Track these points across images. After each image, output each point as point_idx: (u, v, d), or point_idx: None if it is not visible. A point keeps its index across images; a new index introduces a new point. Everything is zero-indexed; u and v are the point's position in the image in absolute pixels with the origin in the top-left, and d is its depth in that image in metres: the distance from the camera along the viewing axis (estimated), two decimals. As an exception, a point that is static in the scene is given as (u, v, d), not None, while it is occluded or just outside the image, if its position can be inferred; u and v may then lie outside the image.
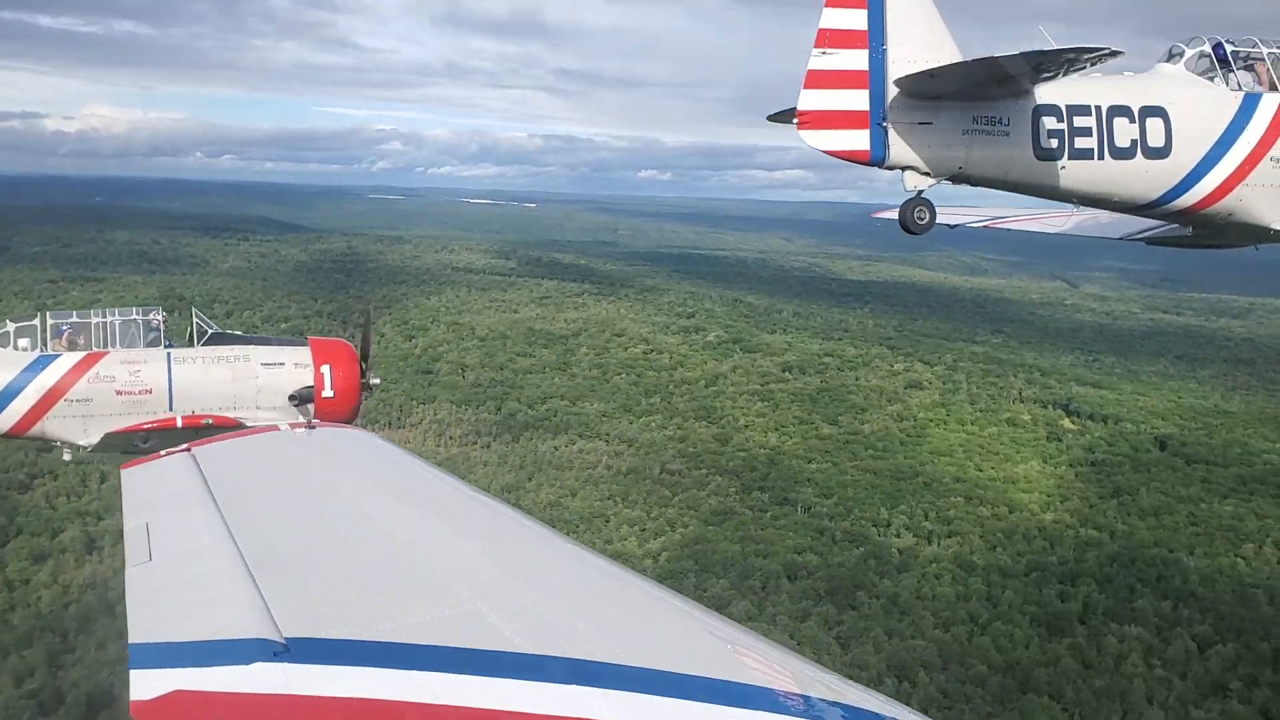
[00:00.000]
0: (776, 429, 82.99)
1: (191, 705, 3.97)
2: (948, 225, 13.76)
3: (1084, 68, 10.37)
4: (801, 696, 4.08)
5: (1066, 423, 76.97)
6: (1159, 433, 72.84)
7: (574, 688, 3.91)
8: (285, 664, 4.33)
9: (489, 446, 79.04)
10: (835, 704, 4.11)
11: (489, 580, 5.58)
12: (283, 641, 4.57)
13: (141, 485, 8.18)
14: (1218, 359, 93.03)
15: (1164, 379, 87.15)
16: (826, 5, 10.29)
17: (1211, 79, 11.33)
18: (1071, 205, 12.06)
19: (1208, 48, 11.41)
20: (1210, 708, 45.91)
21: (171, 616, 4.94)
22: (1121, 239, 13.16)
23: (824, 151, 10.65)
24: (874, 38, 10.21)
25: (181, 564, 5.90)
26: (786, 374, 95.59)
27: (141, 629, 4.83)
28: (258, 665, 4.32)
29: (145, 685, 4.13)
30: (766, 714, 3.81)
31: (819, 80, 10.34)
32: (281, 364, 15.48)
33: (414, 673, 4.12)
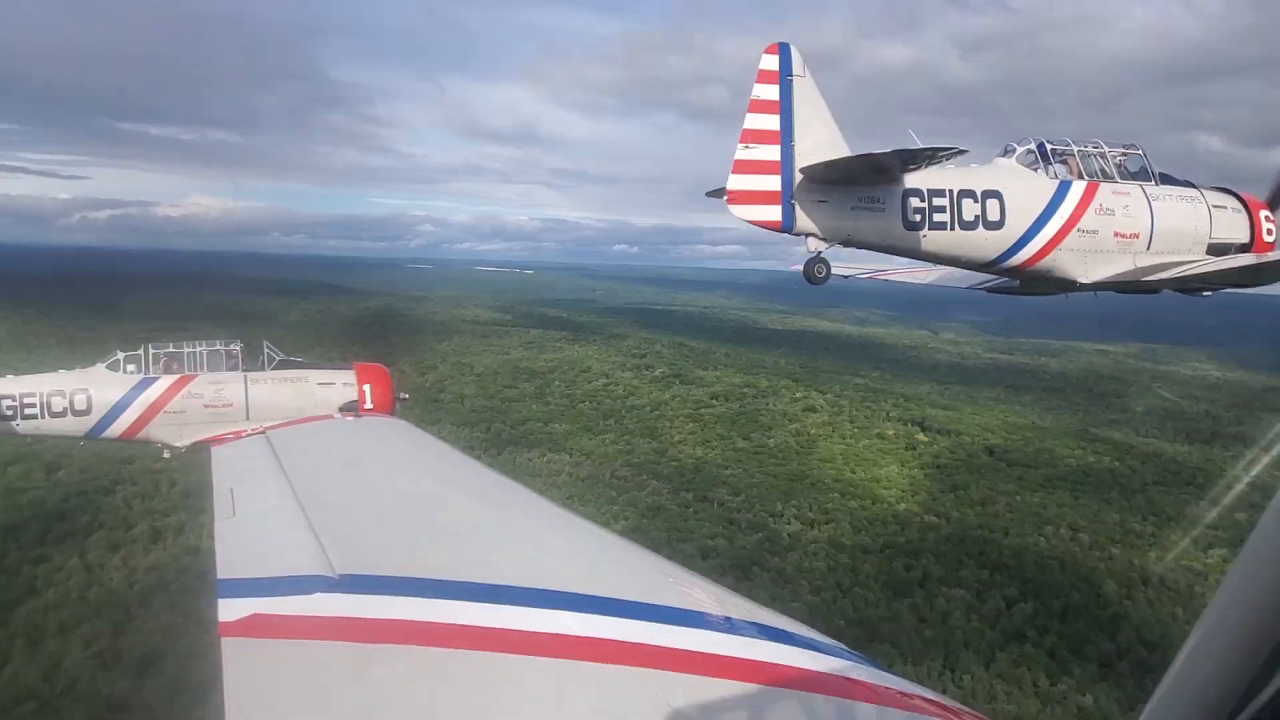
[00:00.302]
0: (703, 443, 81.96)
1: (266, 625, 3.95)
2: (842, 276, 13.56)
3: (940, 162, 10.48)
4: (725, 617, 4.13)
5: (921, 436, 78.00)
6: (989, 443, 74.28)
7: (556, 611, 3.91)
8: (338, 594, 4.33)
9: (479, 458, 77.37)
10: (751, 622, 4.20)
11: (492, 530, 5.56)
12: (336, 576, 4.55)
13: (228, 459, 8.40)
14: (1037, 388, 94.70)
15: (996, 403, 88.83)
16: (749, 111, 10.46)
17: (1035, 170, 11.40)
18: (931, 264, 12.17)
19: (1033, 146, 11.54)
20: (1012, 650, 47.15)
21: (250, 558, 4.91)
22: (969, 289, 13.30)
23: (747, 221, 10.65)
24: (784, 137, 10.33)
25: (258, 518, 5.88)
26: (714, 401, 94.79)
27: (227, 567, 4.84)
28: (317, 595, 4.31)
29: (230, 610, 4.14)
30: (699, 630, 3.83)
31: (743, 168, 10.43)
32: (333, 384, 15.55)
33: (435, 600, 4.11)
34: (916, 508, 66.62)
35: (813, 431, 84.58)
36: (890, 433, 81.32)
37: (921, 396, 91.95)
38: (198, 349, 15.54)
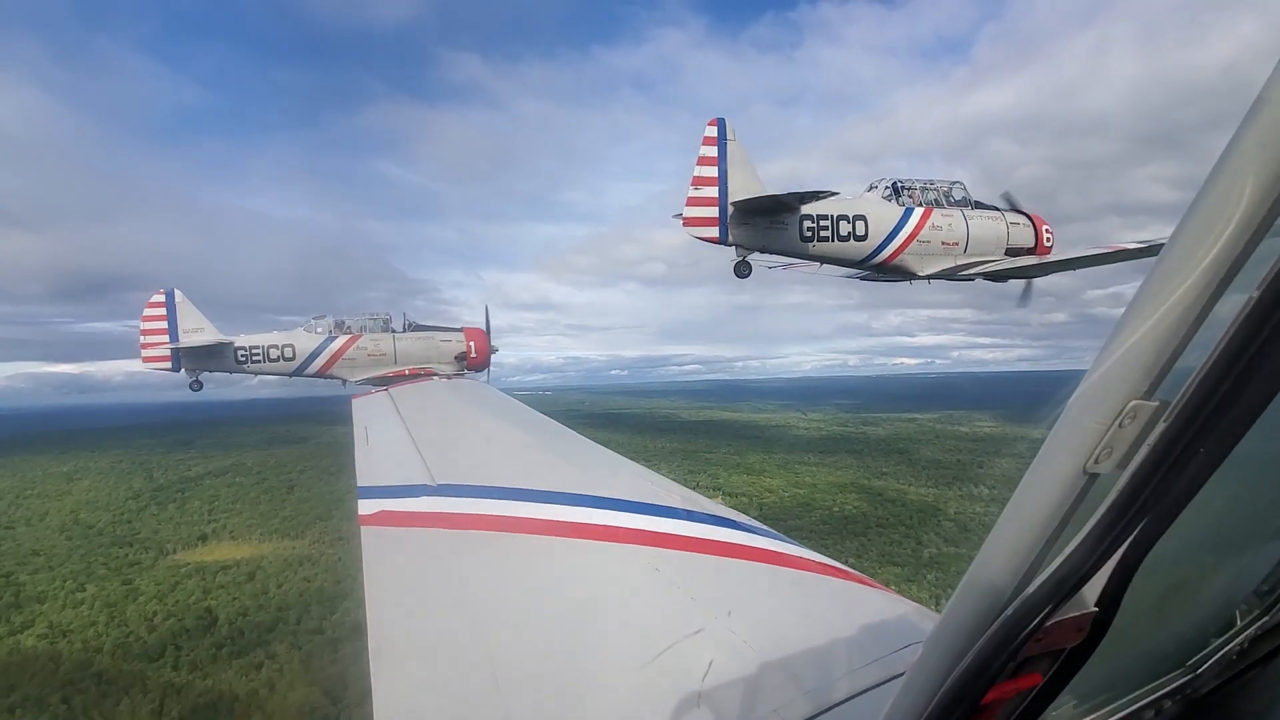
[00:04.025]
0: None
1: (390, 517, 4.02)
2: (768, 266, 13.20)
3: (821, 200, 10.73)
4: (704, 512, 3.89)
5: (718, 498, 70.41)
6: (764, 500, 65.65)
7: (586, 509, 3.88)
8: (437, 496, 4.35)
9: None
10: (720, 515, 3.93)
11: (545, 454, 5.48)
12: (435, 484, 4.54)
13: (364, 408, 8.38)
14: (843, 450, 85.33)
15: (802, 465, 78.50)
16: (698, 164, 10.59)
17: (890, 200, 11.54)
18: (818, 264, 12.00)
19: (889, 183, 11.74)
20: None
21: (380, 472, 4.88)
22: (844, 276, 12.94)
23: (697, 238, 10.60)
24: (721, 181, 10.49)
25: (384, 446, 5.92)
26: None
27: (365, 478, 4.88)
28: (423, 497, 4.35)
29: (367, 507, 4.18)
30: (680, 520, 3.65)
31: (694, 201, 10.48)
32: (450, 340, 15.76)
33: (503, 500, 4.12)
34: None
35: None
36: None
37: (745, 464, 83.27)
38: (363, 319, 15.69)
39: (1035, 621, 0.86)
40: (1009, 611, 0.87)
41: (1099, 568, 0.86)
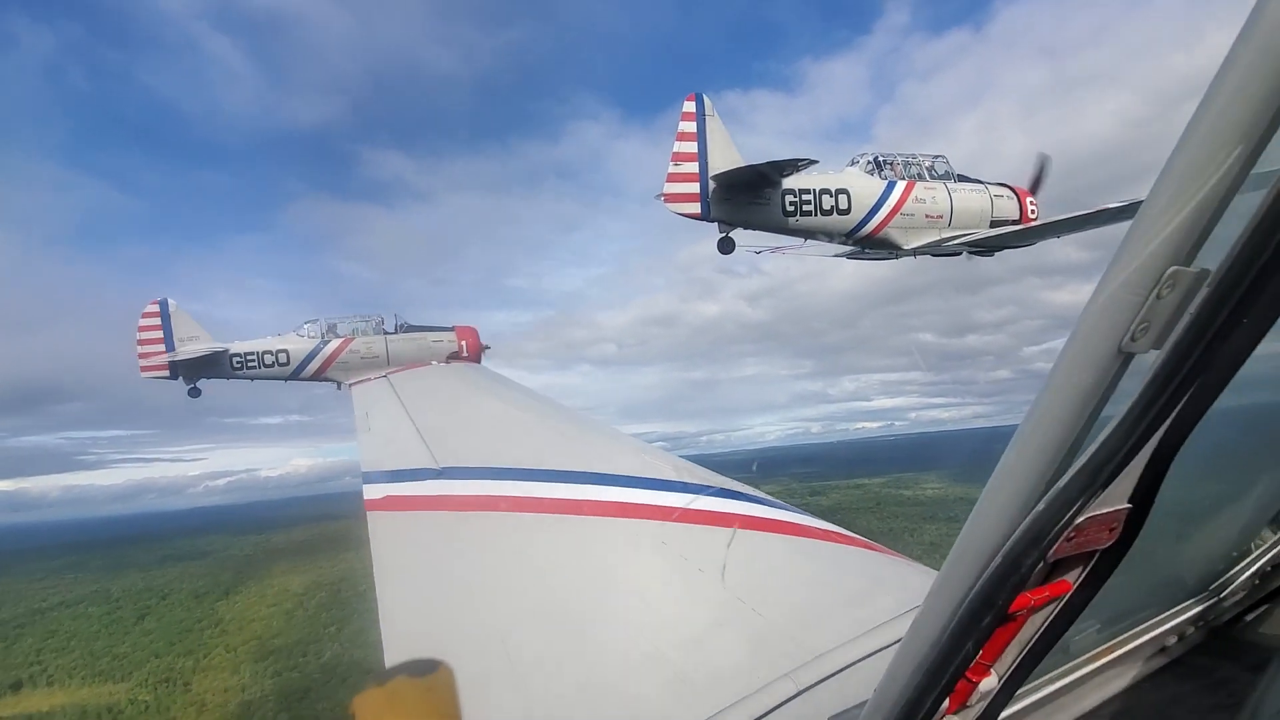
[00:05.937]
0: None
1: (396, 501, 4.05)
2: (754, 251, 13.42)
3: (803, 169, 10.43)
4: (702, 484, 3.79)
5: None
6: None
7: (591, 486, 3.84)
8: (441, 479, 4.30)
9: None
10: (719, 487, 3.84)
11: (544, 432, 5.35)
12: (439, 467, 4.46)
13: (364, 394, 8.49)
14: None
15: None
16: (677, 139, 10.39)
17: (872, 174, 11.35)
18: (802, 239, 11.69)
19: (871, 157, 11.61)
20: None
21: (383, 456, 4.87)
22: (833, 255, 12.78)
23: (678, 214, 10.39)
24: (701, 156, 10.33)
25: (386, 431, 5.87)
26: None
27: (369, 463, 4.77)
28: (427, 480, 4.31)
29: (372, 492, 4.18)
30: (683, 494, 3.57)
31: (675, 178, 10.25)
32: (441, 340, 15.73)
33: (504, 480, 4.02)
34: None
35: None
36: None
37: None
38: (355, 321, 15.77)
39: (1068, 515, 0.83)
40: (1041, 506, 0.84)
41: (1134, 455, 0.82)
